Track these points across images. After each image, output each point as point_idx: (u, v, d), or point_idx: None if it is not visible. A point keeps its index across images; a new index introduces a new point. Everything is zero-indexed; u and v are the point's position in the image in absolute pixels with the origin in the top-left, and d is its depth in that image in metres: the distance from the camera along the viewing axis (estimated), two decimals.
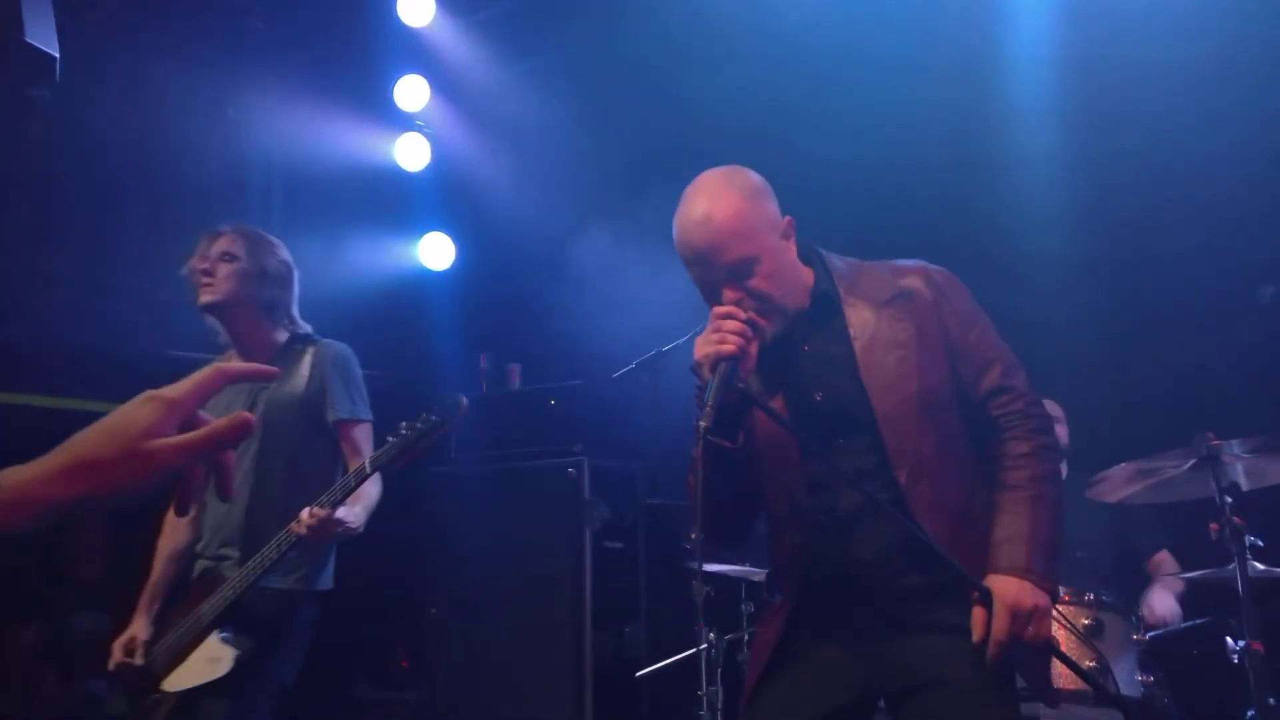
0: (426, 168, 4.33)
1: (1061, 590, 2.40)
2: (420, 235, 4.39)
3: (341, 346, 2.40)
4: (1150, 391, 3.11)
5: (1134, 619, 2.45)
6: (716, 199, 1.61)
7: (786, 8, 3.22)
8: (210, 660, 2.15)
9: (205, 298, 2.32)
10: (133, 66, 3.70)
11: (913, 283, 1.65)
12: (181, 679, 2.17)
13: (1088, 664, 2.33)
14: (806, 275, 1.69)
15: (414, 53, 4.28)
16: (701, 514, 1.55)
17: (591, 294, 3.67)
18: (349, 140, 4.30)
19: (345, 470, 2.27)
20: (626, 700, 3.21)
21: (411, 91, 4.31)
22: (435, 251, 4.36)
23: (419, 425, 2.06)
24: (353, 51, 4.36)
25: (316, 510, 2.08)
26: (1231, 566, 2.39)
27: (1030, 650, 1.54)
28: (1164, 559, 2.99)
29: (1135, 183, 3.17)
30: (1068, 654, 2.33)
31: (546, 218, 4.01)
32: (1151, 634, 2.52)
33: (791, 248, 1.67)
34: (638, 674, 3.00)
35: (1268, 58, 2.95)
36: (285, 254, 2.42)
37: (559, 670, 3.26)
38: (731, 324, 1.55)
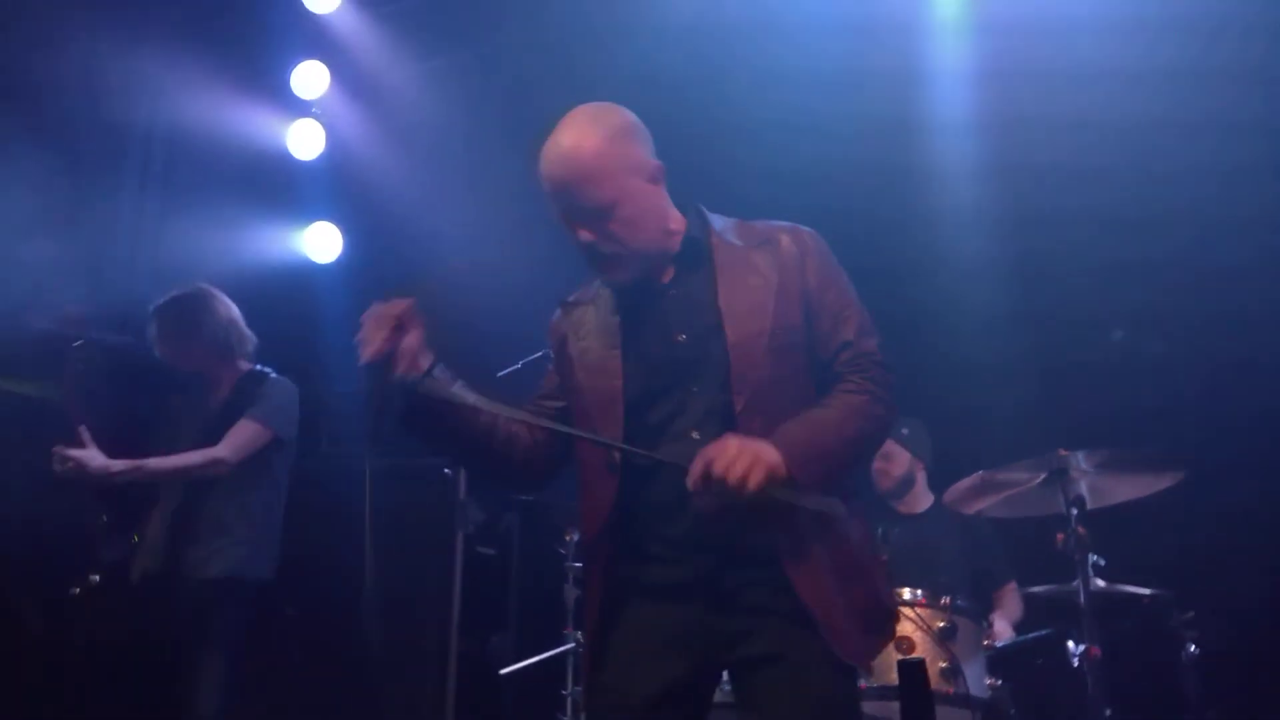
0: (319, 157, 4.35)
1: (919, 593, 2.62)
2: (306, 226, 4.39)
3: (287, 381, 3.06)
4: (1011, 406, 3.42)
5: (984, 623, 2.66)
6: (582, 136, 1.69)
7: (707, 21, 3.47)
8: None
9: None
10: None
11: (781, 236, 1.76)
12: None
13: (940, 664, 2.52)
14: (676, 220, 1.78)
15: (315, 39, 4.34)
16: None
17: (479, 292, 3.75)
18: (239, 121, 4.28)
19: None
20: (489, 704, 3.21)
21: (310, 78, 4.34)
22: (321, 243, 4.36)
23: None
24: (251, 31, 4.37)
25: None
26: (1075, 582, 2.65)
27: (746, 498, 1.50)
28: (1010, 591, 3.25)
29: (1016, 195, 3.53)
30: (922, 654, 2.52)
31: (439, 215, 4.09)
32: (1001, 642, 2.74)
33: (658, 192, 1.76)
34: (502, 671, 3.02)
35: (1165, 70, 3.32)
36: (210, 312, 3.01)
37: (421, 676, 3.24)
38: (372, 328, 1.57)
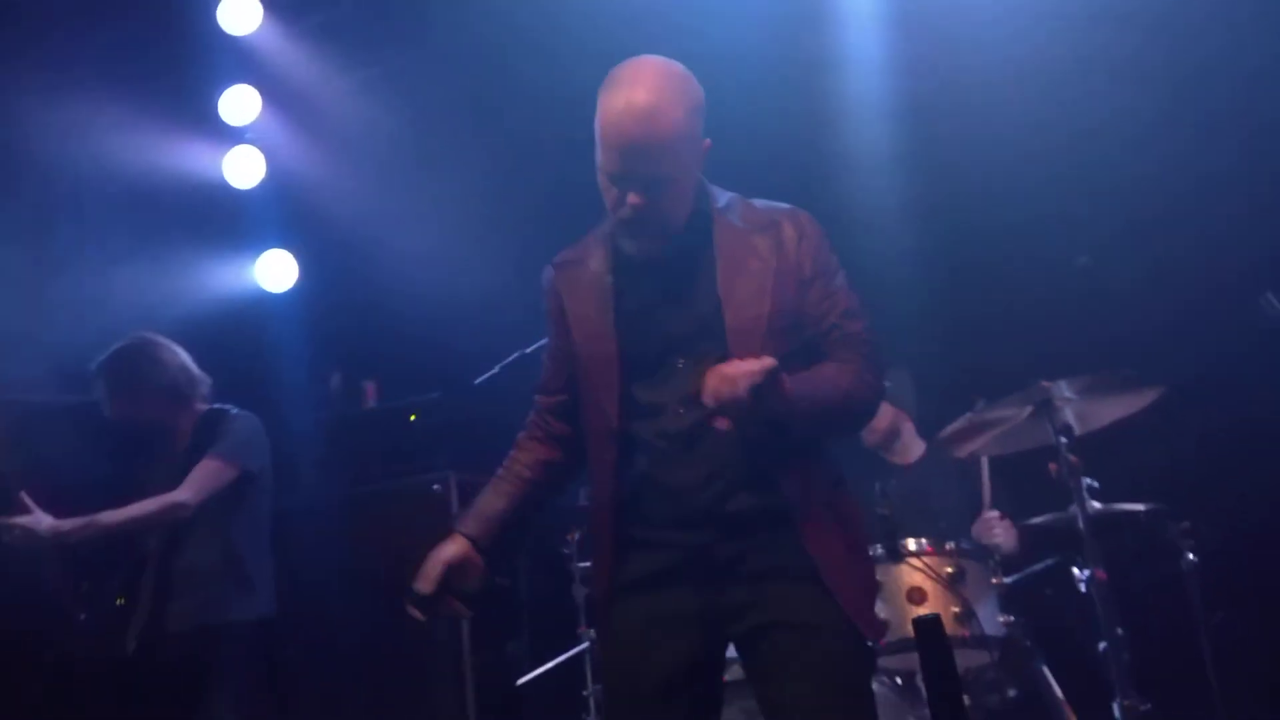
0: (261, 183, 4.26)
1: (925, 542, 2.65)
2: (257, 256, 4.30)
3: (248, 415, 2.98)
4: (990, 343, 3.47)
5: (991, 562, 2.70)
6: (670, 102, 1.65)
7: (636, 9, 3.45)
8: None
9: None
10: None
11: (781, 219, 1.77)
12: None
13: (954, 610, 2.56)
14: (693, 192, 1.76)
15: (241, 63, 4.24)
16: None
17: (446, 301, 3.71)
18: (171, 158, 4.18)
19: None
20: (511, 715, 3.21)
21: (240, 103, 4.24)
22: (275, 272, 4.27)
23: None
24: (173, 64, 4.26)
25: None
26: (1072, 508, 2.69)
27: (753, 398, 1.54)
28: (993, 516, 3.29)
29: (965, 139, 3.56)
30: (932, 603, 2.55)
31: (393, 227, 4.03)
32: (1009, 579, 2.77)
33: (698, 169, 1.76)
34: (519, 682, 3.02)
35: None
36: (157, 361, 2.93)
37: (438, 699, 3.22)
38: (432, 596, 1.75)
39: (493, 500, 1.82)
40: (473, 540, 1.77)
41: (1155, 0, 3.35)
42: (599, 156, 1.69)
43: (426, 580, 1.73)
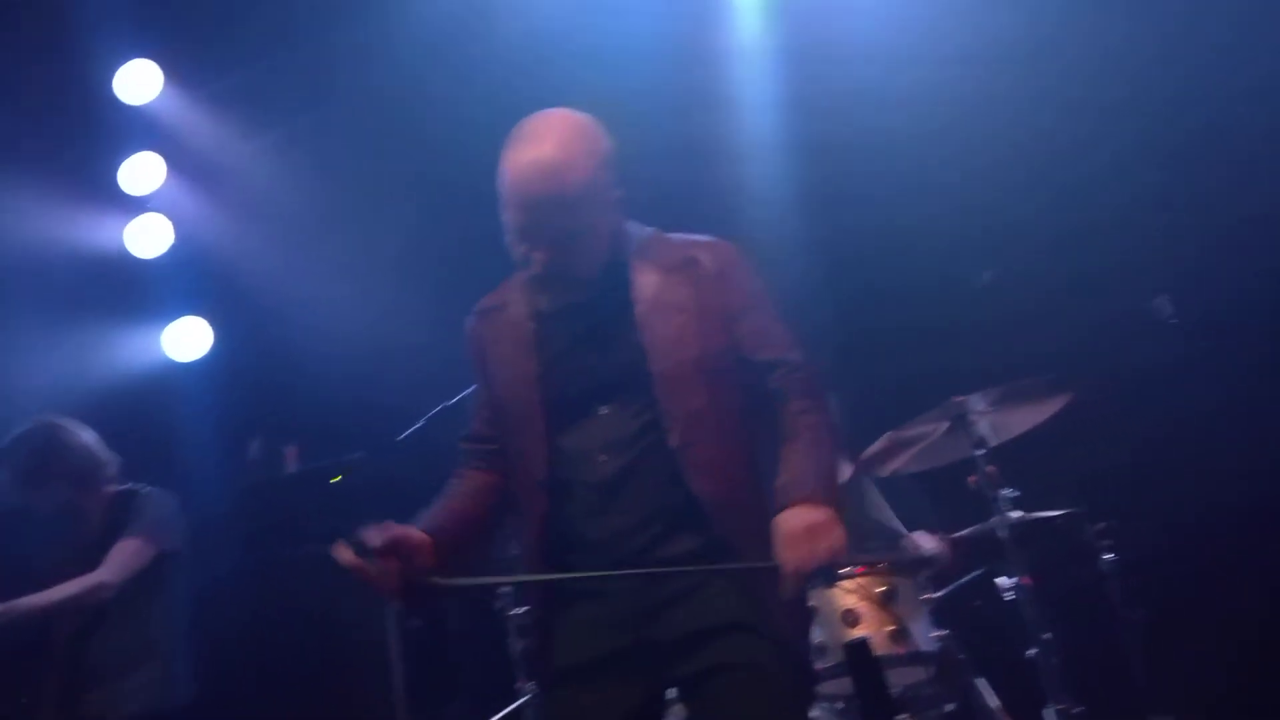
0: (169, 250, 4.17)
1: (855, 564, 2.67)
2: (166, 326, 4.18)
3: (160, 492, 2.94)
4: (904, 363, 3.55)
5: (921, 577, 2.73)
6: (571, 156, 1.61)
7: (528, 35, 3.50)
8: None
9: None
10: None
11: (701, 254, 1.72)
12: None
13: (888, 628, 2.58)
14: (606, 242, 1.71)
15: (142, 131, 4.17)
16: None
17: (365, 358, 3.67)
18: (70, 230, 4.08)
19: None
20: None
21: (142, 173, 4.17)
22: (184, 341, 4.15)
23: None
24: (69, 136, 4.18)
25: None
26: (993, 519, 2.76)
27: (828, 568, 1.54)
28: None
29: (858, 164, 3.65)
30: (866, 624, 2.57)
31: (307, 288, 3.98)
32: (938, 593, 2.81)
33: (613, 219, 1.71)
34: None
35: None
36: (61, 444, 2.86)
37: None
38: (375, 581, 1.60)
39: (442, 506, 1.73)
40: (429, 534, 1.64)
41: (1067, 18, 3.50)
42: (505, 214, 1.65)
43: (376, 536, 1.57)
